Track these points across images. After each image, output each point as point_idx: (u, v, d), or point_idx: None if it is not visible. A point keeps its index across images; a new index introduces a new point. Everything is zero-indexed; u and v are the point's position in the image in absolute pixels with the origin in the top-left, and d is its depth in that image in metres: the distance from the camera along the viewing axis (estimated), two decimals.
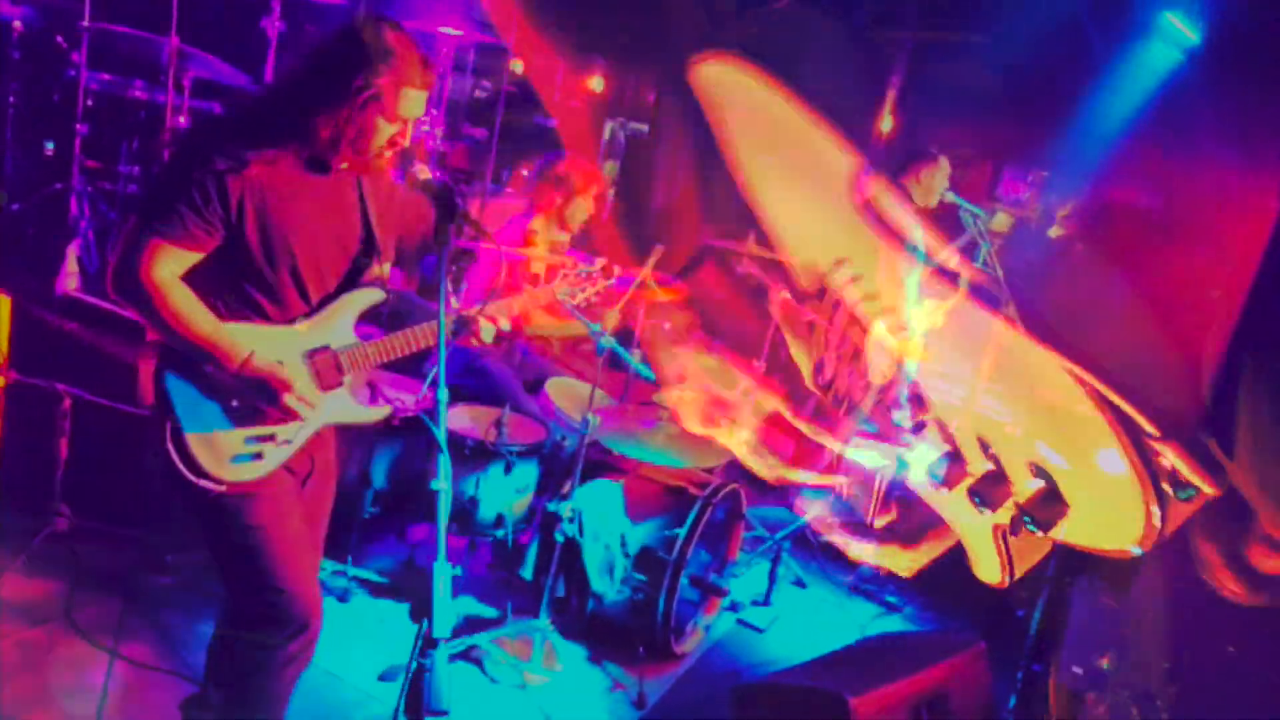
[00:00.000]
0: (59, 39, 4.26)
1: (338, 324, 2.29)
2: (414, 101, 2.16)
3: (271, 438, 2.20)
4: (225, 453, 2.14)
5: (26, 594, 3.21)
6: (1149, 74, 6.50)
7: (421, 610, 1.68)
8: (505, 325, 2.49)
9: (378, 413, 2.44)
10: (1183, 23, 5.90)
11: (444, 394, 1.88)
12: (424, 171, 2.36)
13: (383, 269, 2.38)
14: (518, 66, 6.76)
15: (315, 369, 2.25)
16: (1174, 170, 6.34)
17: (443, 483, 1.79)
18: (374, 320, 2.41)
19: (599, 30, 7.01)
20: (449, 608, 1.69)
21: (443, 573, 1.71)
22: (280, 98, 2.18)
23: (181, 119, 4.32)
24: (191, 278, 2.10)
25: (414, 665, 1.71)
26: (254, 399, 2.14)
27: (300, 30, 4.47)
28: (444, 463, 1.81)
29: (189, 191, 2.03)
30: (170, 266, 2.06)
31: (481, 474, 3.62)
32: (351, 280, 2.33)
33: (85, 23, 4.14)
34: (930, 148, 5.06)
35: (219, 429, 2.13)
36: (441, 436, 1.83)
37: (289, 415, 2.16)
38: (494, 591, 3.87)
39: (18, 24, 4.25)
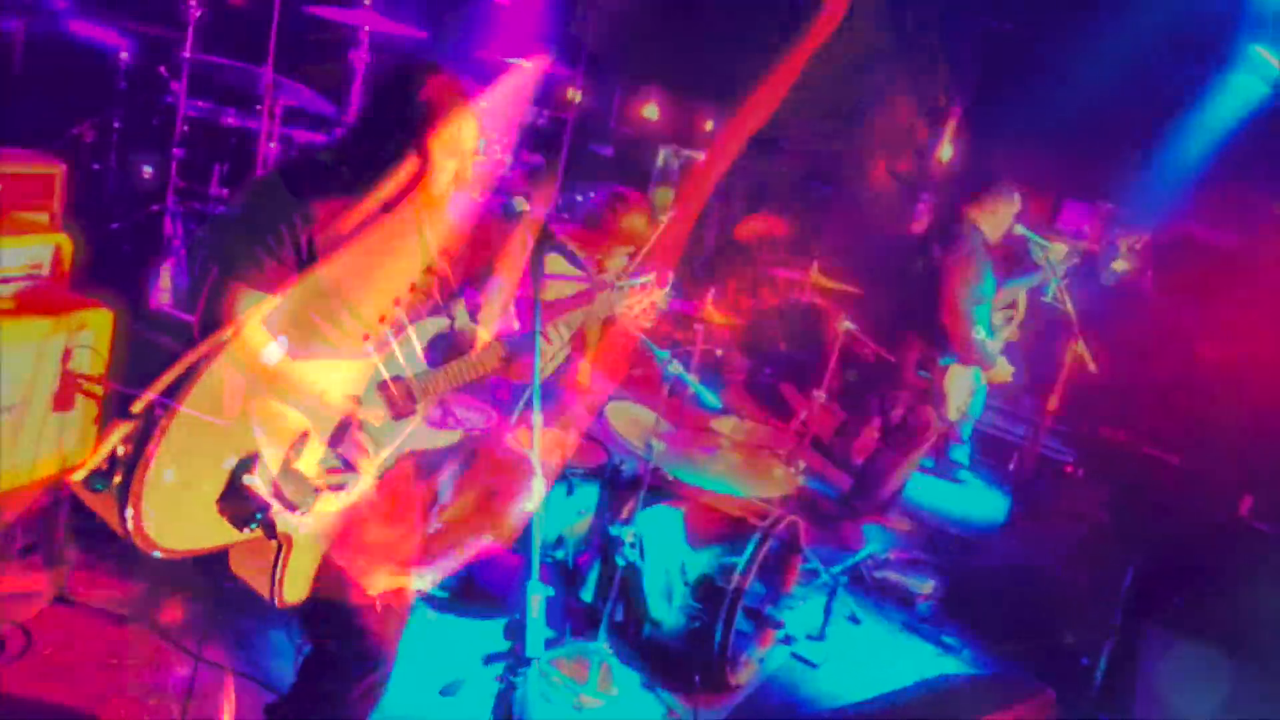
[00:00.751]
0: (161, 69, 4.48)
1: (406, 353, 2.36)
2: (468, 133, 2.27)
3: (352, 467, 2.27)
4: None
5: (111, 594, 3.35)
6: (1233, 107, 6.43)
7: (514, 629, 1.75)
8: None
9: (451, 436, 2.52)
10: (1272, 55, 5.83)
11: (538, 419, 1.96)
12: (522, 204, 2.46)
13: (451, 298, 2.49)
14: (575, 95, 6.91)
15: (389, 398, 2.34)
16: (1258, 205, 6.25)
17: (535, 504, 1.87)
18: (453, 350, 2.50)
19: (657, 59, 7.12)
20: (540, 627, 1.76)
21: (535, 593, 1.78)
22: (347, 153, 2.30)
23: (272, 145, 4.51)
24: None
25: (504, 682, 1.78)
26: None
27: (383, 63, 4.65)
28: (537, 485, 1.88)
29: (264, 237, 2.14)
30: (247, 304, 2.15)
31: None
32: (418, 311, 2.42)
33: (186, 54, 4.35)
34: (1007, 181, 5.02)
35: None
36: (535, 460, 1.90)
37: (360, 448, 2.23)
38: (552, 612, 3.93)
39: (124, 55, 4.49)
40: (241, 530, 2.05)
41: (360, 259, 2.25)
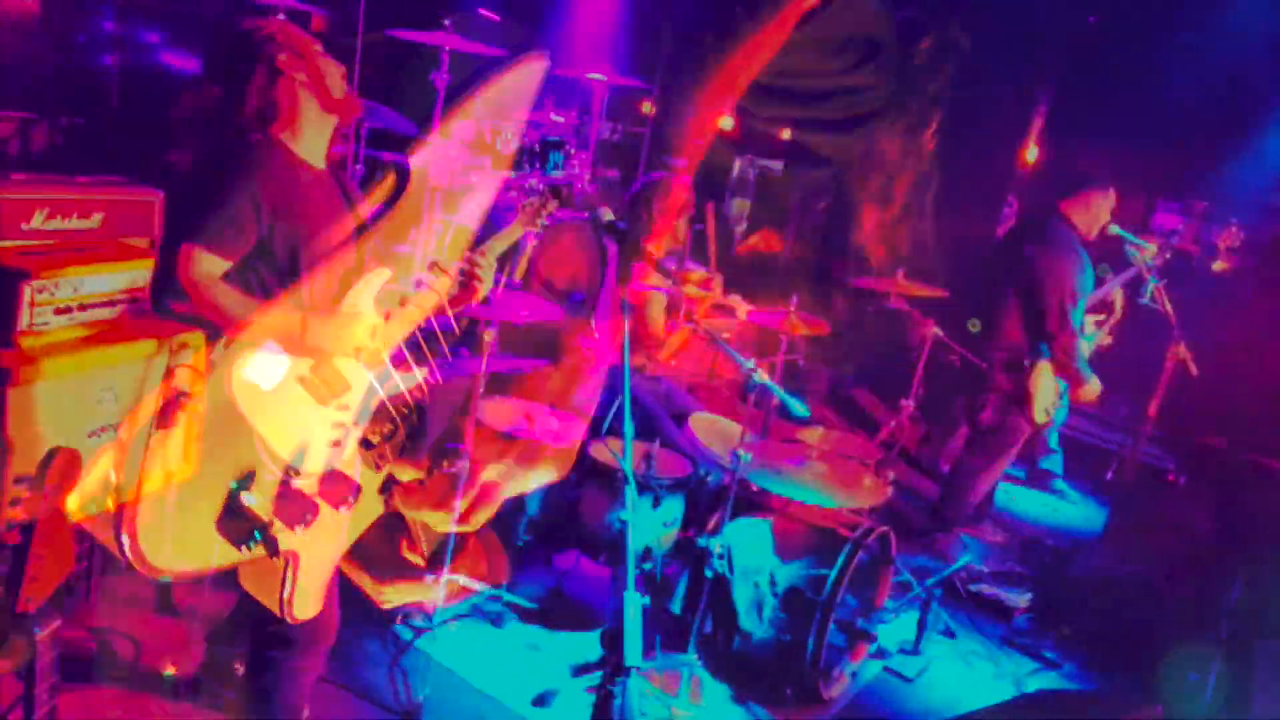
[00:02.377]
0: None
1: (361, 305, 2.35)
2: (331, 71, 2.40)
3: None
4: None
5: (209, 606, 3.43)
6: None
7: (613, 638, 1.74)
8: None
9: (411, 378, 2.47)
10: None
11: (629, 428, 1.96)
12: (608, 214, 2.47)
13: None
14: (647, 108, 6.92)
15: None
16: None
17: (630, 514, 1.86)
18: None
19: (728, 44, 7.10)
20: (638, 636, 1.74)
21: (633, 602, 1.77)
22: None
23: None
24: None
25: (602, 691, 1.78)
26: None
27: (466, 83, 4.72)
28: (630, 494, 1.87)
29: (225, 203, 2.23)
30: (206, 268, 2.24)
31: None
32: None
33: None
34: (1102, 175, 4.87)
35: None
36: (628, 469, 1.90)
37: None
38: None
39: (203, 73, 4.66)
40: (240, 549, 2.06)
41: (299, 220, 2.33)
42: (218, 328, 2.24)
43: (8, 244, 3.16)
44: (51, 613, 1.91)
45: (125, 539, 1.92)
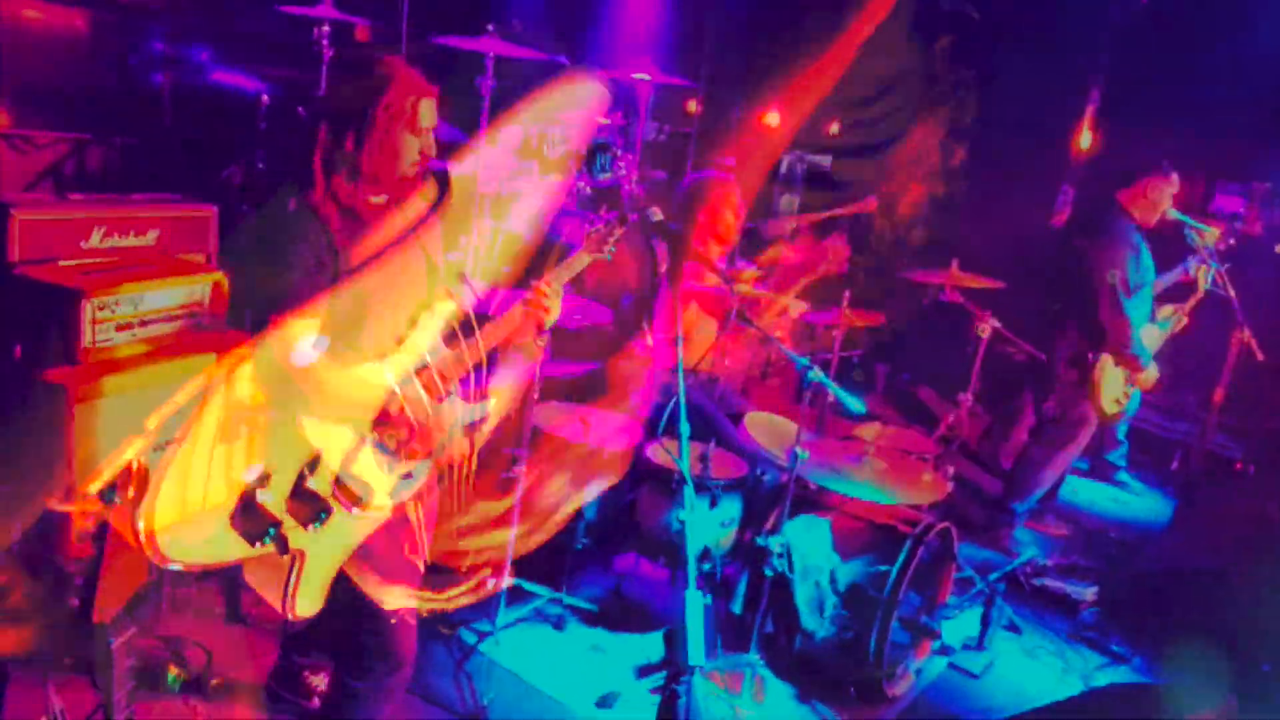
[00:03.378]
0: (300, 110, 4.69)
1: (424, 344, 2.33)
2: (429, 110, 2.32)
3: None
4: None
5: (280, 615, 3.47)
6: None
7: (675, 637, 1.73)
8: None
9: (484, 407, 2.47)
10: None
11: (685, 428, 1.94)
12: (656, 214, 2.45)
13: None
14: (693, 107, 6.89)
15: (424, 383, 2.32)
16: None
17: (688, 514, 1.84)
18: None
19: (779, 66, 7.06)
20: (702, 635, 1.73)
21: (695, 601, 1.75)
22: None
23: None
24: None
25: (668, 692, 1.76)
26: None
27: (511, 88, 4.73)
28: (689, 494, 1.86)
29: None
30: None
31: None
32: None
33: (322, 93, 4.54)
34: (1160, 162, 4.77)
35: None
36: (685, 469, 1.88)
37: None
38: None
39: (264, 98, 4.71)
40: (253, 546, 2.07)
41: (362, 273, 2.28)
42: None
43: (68, 263, 3.25)
44: (125, 622, 1.94)
45: (142, 527, 1.94)
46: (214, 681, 3.06)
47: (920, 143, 7.63)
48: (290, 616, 2.21)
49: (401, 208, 2.42)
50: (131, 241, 3.45)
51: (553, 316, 2.52)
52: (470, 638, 3.58)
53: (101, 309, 3.09)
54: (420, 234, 2.42)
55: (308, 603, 2.22)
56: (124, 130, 4.81)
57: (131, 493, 1.99)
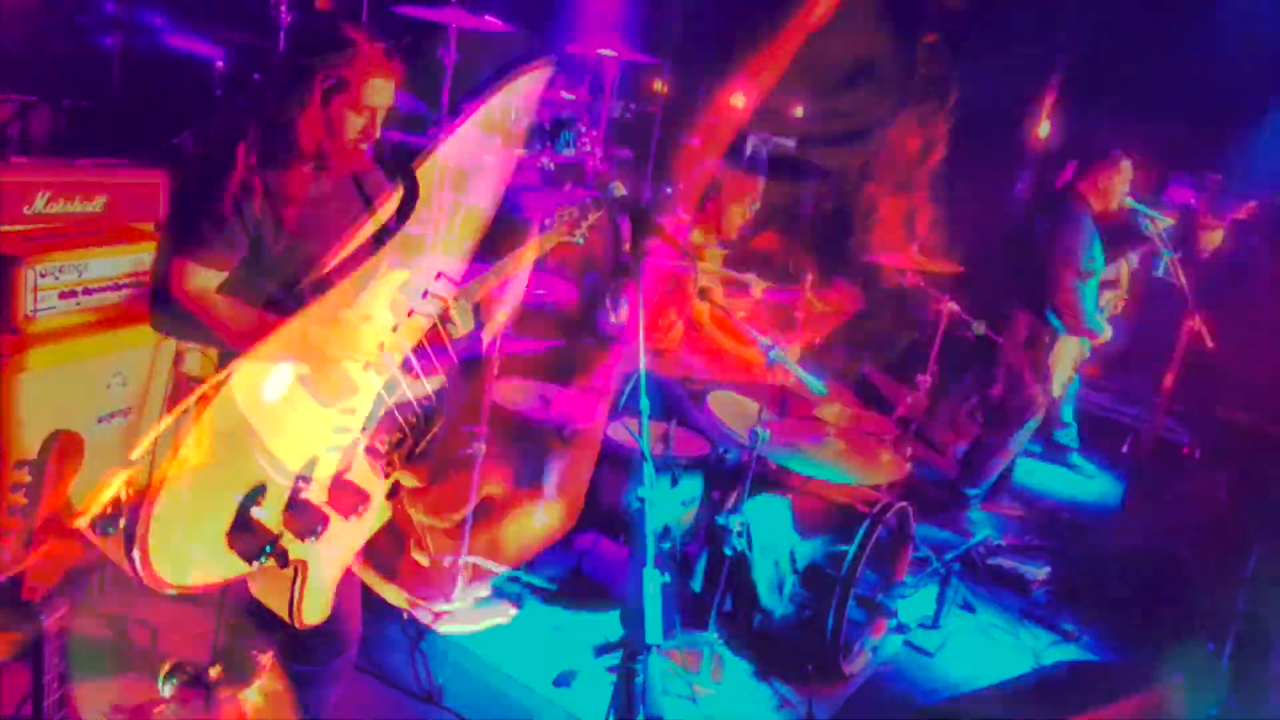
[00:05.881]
0: (255, 75, 4.56)
1: (374, 309, 2.28)
2: (380, 90, 2.21)
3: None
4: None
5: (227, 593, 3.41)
6: None
7: (632, 616, 1.71)
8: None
9: (420, 386, 2.39)
10: None
11: (645, 404, 1.91)
12: (619, 189, 2.41)
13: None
14: (659, 85, 6.83)
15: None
16: None
17: (647, 491, 1.82)
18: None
19: (746, 45, 7.02)
20: (659, 613, 1.71)
21: (652, 579, 1.73)
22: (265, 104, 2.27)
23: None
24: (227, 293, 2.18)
25: (624, 670, 1.74)
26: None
27: (474, 61, 4.64)
28: (649, 472, 1.83)
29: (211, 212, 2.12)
30: (199, 281, 2.14)
31: None
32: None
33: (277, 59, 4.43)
34: (1115, 150, 4.84)
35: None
36: (645, 447, 1.85)
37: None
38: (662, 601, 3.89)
39: (219, 64, 4.58)
40: (252, 564, 2.03)
41: (309, 227, 2.24)
42: (221, 340, 2.17)
43: (8, 228, 3.12)
44: (58, 600, 1.88)
45: (137, 555, 1.90)
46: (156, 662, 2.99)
47: (899, 142, 7.62)
48: (298, 626, 2.17)
49: (340, 190, 2.36)
50: (78, 208, 3.33)
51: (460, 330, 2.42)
52: (425, 616, 3.54)
53: (44, 276, 2.98)
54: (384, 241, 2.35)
55: (315, 610, 2.18)
56: (71, 93, 4.65)
57: (123, 522, 1.94)
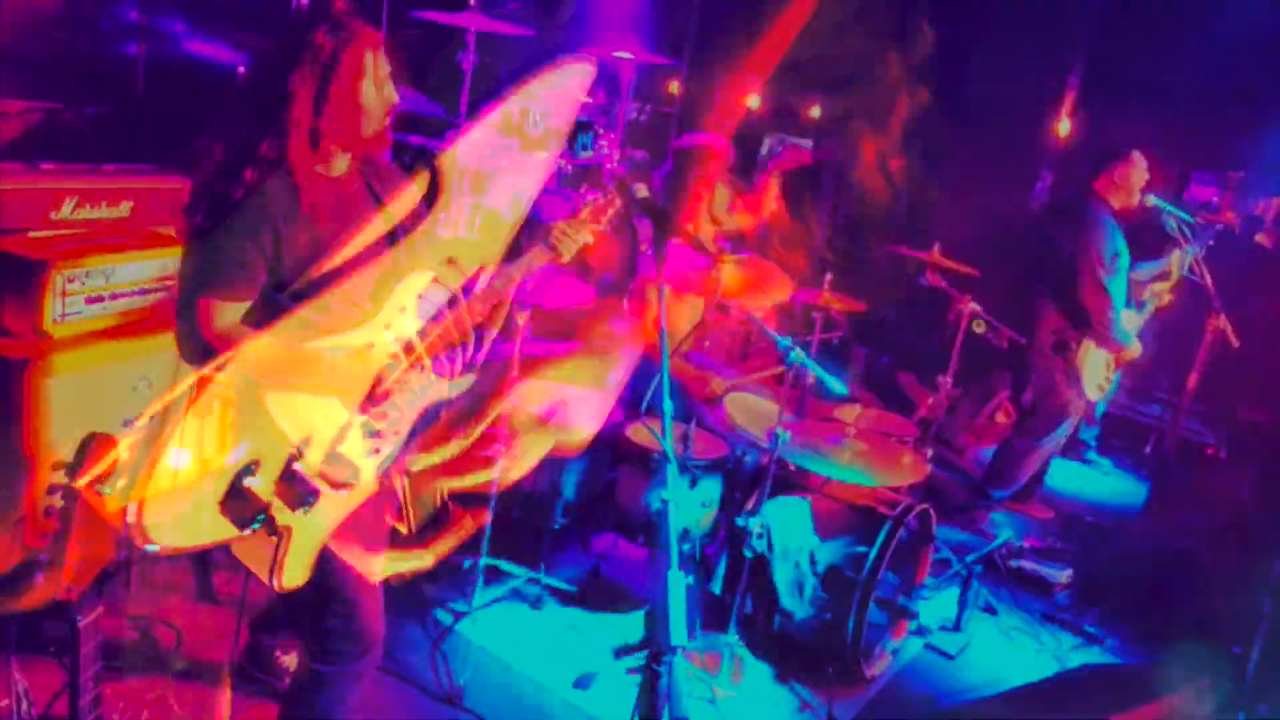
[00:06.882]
0: (239, 70, 4.59)
1: (397, 316, 2.28)
2: (380, 62, 2.21)
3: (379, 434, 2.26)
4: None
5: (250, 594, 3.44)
6: None
7: (657, 617, 1.71)
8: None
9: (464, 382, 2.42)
10: None
11: (668, 407, 1.92)
12: (643, 190, 2.41)
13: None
14: (674, 87, 6.84)
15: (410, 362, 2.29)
16: None
17: (670, 493, 1.82)
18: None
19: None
20: (684, 615, 1.71)
21: (677, 580, 1.73)
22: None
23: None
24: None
25: (649, 672, 1.74)
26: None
27: (492, 64, 4.66)
28: (671, 473, 1.84)
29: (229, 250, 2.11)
30: (227, 319, 2.13)
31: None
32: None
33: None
34: (1130, 148, 4.81)
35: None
36: (668, 448, 1.86)
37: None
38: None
39: (240, 69, 4.62)
40: (243, 530, 2.07)
41: (324, 240, 2.23)
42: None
43: (37, 234, 3.16)
44: (93, 600, 1.91)
45: (132, 508, 1.94)
46: (181, 663, 3.03)
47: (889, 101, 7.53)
48: (277, 588, 2.19)
49: (366, 178, 2.37)
50: (104, 213, 3.37)
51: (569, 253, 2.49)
52: (446, 618, 3.56)
53: (71, 281, 3.02)
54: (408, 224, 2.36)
55: (296, 575, 2.20)
56: (96, 100, 4.70)
57: (121, 482, 1.97)
